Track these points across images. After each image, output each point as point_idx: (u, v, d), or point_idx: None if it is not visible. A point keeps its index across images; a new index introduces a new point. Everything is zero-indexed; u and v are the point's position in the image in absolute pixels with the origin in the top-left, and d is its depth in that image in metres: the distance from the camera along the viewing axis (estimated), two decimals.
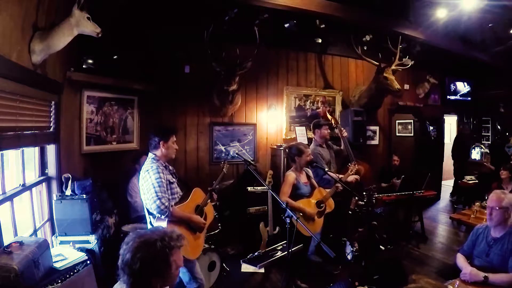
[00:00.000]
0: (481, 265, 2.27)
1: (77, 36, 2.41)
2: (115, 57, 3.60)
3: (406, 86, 6.16)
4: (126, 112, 4.02)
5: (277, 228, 3.91)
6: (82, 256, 2.39)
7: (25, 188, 2.51)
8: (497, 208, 2.23)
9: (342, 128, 4.05)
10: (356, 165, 3.61)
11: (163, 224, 2.20)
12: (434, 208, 6.21)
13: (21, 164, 2.54)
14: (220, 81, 3.97)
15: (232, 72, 3.88)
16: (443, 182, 6.78)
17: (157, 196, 2.15)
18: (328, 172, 3.39)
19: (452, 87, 6.94)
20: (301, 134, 4.79)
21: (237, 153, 3.91)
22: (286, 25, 4.44)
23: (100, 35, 2.43)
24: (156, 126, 2.60)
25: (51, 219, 2.78)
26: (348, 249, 3.85)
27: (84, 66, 3.33)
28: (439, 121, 6.90)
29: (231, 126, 4.72)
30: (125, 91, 3.89)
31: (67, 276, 2.15)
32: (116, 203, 3.42)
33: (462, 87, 7.03)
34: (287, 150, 3.36)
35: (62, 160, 2.91)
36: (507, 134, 6.88)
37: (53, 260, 2.20)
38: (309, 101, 5.21)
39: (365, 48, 4.93)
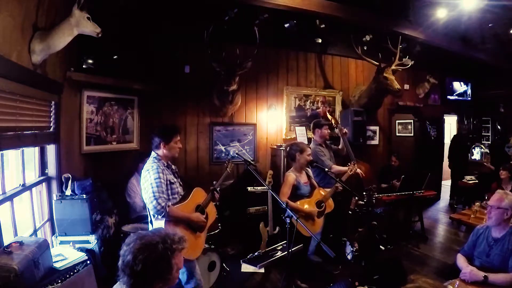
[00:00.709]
0: (481, 266, 2.26)
1: (77, 36, 2.41)
2: (115, 57, 3.60)
3: (406, 86, 6.16)
4: (126, 112, 4.02)
5: (277, 228, 3.91)
6: (82, 256, 2.38)
7: (25, 188, 2.51)
8: (496, 207, 2.24)
9: (342, 128, 4.04)
10: (355, 165, 3.61)
11: (161, 223, 2.20)
12: (434, 208, 6.21)
13: (21, 164, 2.53)
14: (220, 81, 3.97)
15: (232, 72, 3.88)
16: (443, 182, 6.78)
17: (154, 196, 2.16)
18: (333, 166, 3.37)
19: (450, 86, 6.93)
20: (301, 134, 4.79)
21: (237, 153, 3.92)
22: (286, 25, 4.44)
23: (100, 35, 2.43)
24: (159, 126, 2.60)
25: (51, 219, 2.78)
26: (348, 249, 3.85)
27: (84, 66, 3.33)
28: (439, 121, 6.90)
29: (231, 126, 4.72)
30: (125, 91, 3.89)
31: (67, 276, 2.15)
32: (116, 203, 3.42)
33: (459, 86, 7.02)
34: (287, 149, 3.36)
35: (62, 160, 2.91)
36: (507, 134, 6.88)
37: (53, 260, 2.19)
38: (309, 101, 5.22)
39: (365, 48, 4.93)
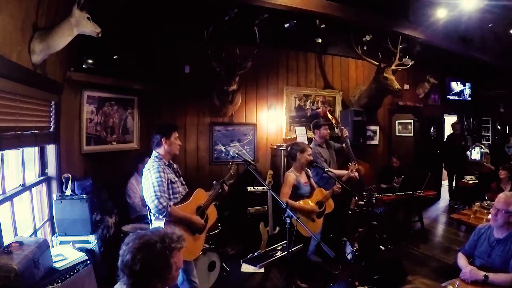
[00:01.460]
0: (482, 266, 2.26)
1: (77, 36, 2.41)
2: (115, 57, 3.60)
3: (406, 86, 6.16)
4: (126, 112, 4.02)
5: (277, 228, 3.91)
6: (82, 256, 2.39)
7: (25, 188, 2.51)
8: (503, 211, 2.21)
9: (343, 128, 4.04)
10: (356, 165, 3.61)
11: (161, 223, 2.19)
12: (434, 208, 6.21)
13: (21, 164, 2.54)
14: (220, 81, 3.97)
15: (232, 72, 3.88)
16: (443, 182, 6.77)
17: (156, 195, 2.15)
18: (329, 170, 3.38)
19: (449, 86, 6.92)
20: (301, 134, 4.78)
21: (237, 153, 3.91)
22: (286, 25, 4.43)
23: (100, 35, 2.43)
24: (157, 124, 2.63)
25: (51, 219, 2.78)
26: (348, 249, 3.85)
27: (84, 66, 3.33)
28: (439, 121, 6.90)
29: (231, 126, 4.72)
30: (125, 91, 3.89)
31: (67, 276, 2.15)
32: (116, 203, 3.42)
33: (455, 85, 7.01)
34: (288, 149, 3.36)
35: (62, 160, 2.91)
36: (507, 134, 6.88)
37: (53, 260, 2.20)
38: (309, 101, 5.22)
39: (365, 48, 4.92)
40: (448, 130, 7.12)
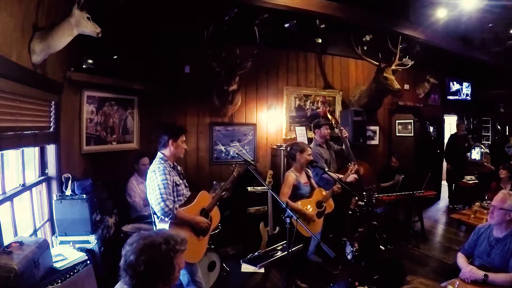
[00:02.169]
0: (482, 265, 2.26)
1: (77, 36, 2.41)
2: (115, 57, 3.60)
3: (406, 86, 6.16)
4: (126, 112, 4.02)
5: (277, 228, 3.91)
6: (82, 256, 2.38)
7: (25, 188, 2.51)
8: (499, 208, 2.23)
9: (342, 128, 4.04)
10: (355, 165, 3.61)
11: (166, 226, 2.19)
12: (434, 208, 6.21)
13: (21, 164, 2.54)
14: (220, 81, 3.97)
15: (232, 72, 3.88)
16: (443, 182, 6.77)
17: (162, 198, 2.13)
18: (328, 172, 3.38)
19: (448, 86, 6.91)
20: (301, 134, 4.78)
21: (237, 153, 3.91)
22: (286, 25, 4.44)
23: (100, 35, 2.43)
24: (165, 124, 2.61)
25: (51, 219, 2.78)
26: (348, 249, 3.85)
27: (84, 66, 3.33)
28: (439, 121, 6.90)
29: (231, 126, 4.72)
30: (125, 91, 3.89)
31: (67, 276, 2.15)
32: (116, 203, 3.42)
33: (452, 84, 6.99)
34: (288, 149, 3.36)
35: (62, 160, 2.91)
36: (507, 134, 6.87)
37: (53, 260, 2.20)
38: (309, 101, 5.21)
39: (365, 48, 4.93)
40: (448, 130, 7.13)
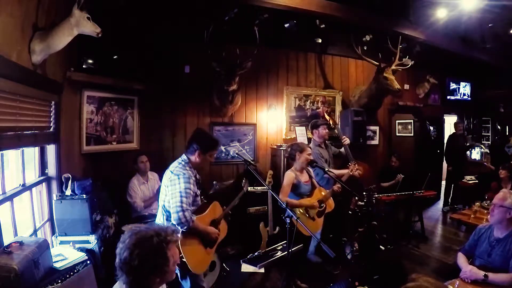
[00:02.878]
0: (482, 265, 2.26)
1: (77, 36, 2.40)
2: (115, 57, 3.60)
3: (406, 86, 6.16)
4: (126, 112, 4.02)
5: (277, 228, 3.91)
6: (82, 256, 2.39)
7: (25, 188, 2.51)
8: (499, 205, 2.23)
9: (345, 137, 3.98)
10: (356, 165, 3.60)
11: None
12: (434, 208, 6.21)
13: (21, 164, 2.53)
14: (220, 81, 3.96)
15: (232, 72, 3.88)
16: (443, 182, 6.77)
17: (182, 207, 2.07)
18: (329, 171, 3.38)
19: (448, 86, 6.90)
20: (301, 134, 4.78)
21: (237, 153, 3.91)
22: (286, 25, 4.43)
23: (100, 35, 2.43)
24: (201, 132, 2.55)
25: (51, 219, 2.78)
26: (348, 249, 3.85)
27: (84, 66, 3.33)
28: (439, 121, 6.90)
29: (231, 126, 4.71)
30: (125, 91, 3.89)
31: (67, 276, 2.15)
32: (116, 203, 3.42)
33: (451, 84, 6.98)
34: (288, 149, 3.36)
35: (62, 160, 2.91)
36: (507, 134, 6.87)
37: (53, 260, 2.20)
38: (309, 101, 5.21)
39: (365, 48, 4.92)
40: (448, 130, 7.12)
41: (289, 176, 3.13)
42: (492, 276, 2.09)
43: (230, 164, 4.63)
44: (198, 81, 4.38)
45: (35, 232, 2.58)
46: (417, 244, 4.30)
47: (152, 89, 4.07)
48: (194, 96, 4.46)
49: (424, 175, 4.51)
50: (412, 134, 6.72)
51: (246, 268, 3.49)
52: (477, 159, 6.70)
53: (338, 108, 5.41)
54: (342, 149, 4.00)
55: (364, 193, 3.78)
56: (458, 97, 7.00)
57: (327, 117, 4.22)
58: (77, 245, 2.59)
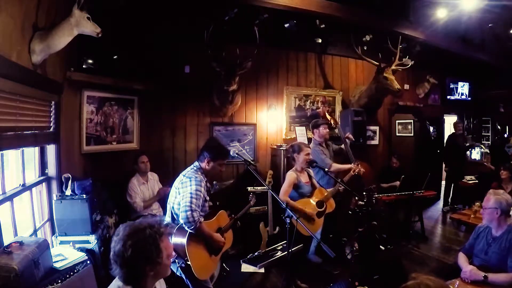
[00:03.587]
0: (479, 264, 2.29)
1: (77, 36, 2.40)
2: (115, 57, 3.60)
3: (406, 86, 6.16)
4: (126, 112, 4.02)
5: (277, 228, 3.91)
6: (82, 256, 2.39)
7: (25, 188, 2.51)
8: (485, 208, 2.33)
9: (349, 134, 4.07)
10: (359, 165, 3.59)
11: (183, 240, 2.14)
12: (434, 208, 6.21)
13: (21, 164, 2.53)
14: (220, 81, 3.97)
15: (232, 72, 3.88)
16: (443, 182, 6.77)
17: (191, 207, 2.11)
18: (332, 165, 3.38)
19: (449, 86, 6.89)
20: (301, 134, 4.79)
21: (237, 153, 3.89)
22: (286, 25, 4.44)
23: (100, 35, 2.43)
24: (213, 141, 2.71)
25: (51, 219, 2.78)
26: (348, 249, 3.85)
27: (84, 66, 3.33)
28: (439, 121, 6.90)
29: (231, 126, 4.71)
30: (125, 91, 3.89)
31: (67, 276, 2.15)
32: (116, 203, 3.42)
33: (451, 84, 6.96)
34: (289, 150, 3.37)
35: (62, 160, 2.91)
36: (506, 135, 6.86)
37: (53, 260, 2.20)
38: (309, 101, 5.21)
39: (365, 48, 4.93)
40: (448, 130, 7.12)
41: (290, 177, 3.13)
42: (492, 276, 2.10)
43: (230, 164, 4.62)
44: (198, 81, 4.38)
45: (35, 232, 2.58)
46: (417, 244, 4.30)
47: (152, 89, 4.07)
48: (194, 96, 4.46)
49: (424, 175, 4.51)
50: (412, 134, 6.73)
51: (246, 268, 3.51)
52: (477, 159, 6.69)
53: (338, 108, 5.41)
54: (343, 146, 4.02)
55: (364, 193, 3.78)
56: (458, 97, 7.00)
57: (328, 116, 4.22)
58: (77, 245, 2.59)
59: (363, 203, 3.82)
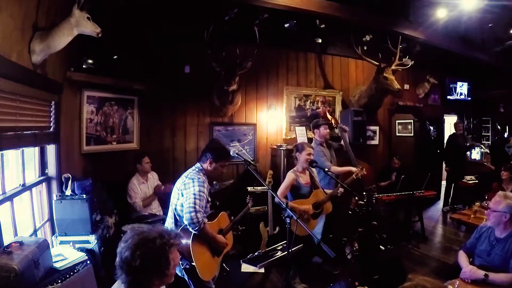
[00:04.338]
0: (481, 265, 2.27)
1: (77, 36, 2.40)
2: (115, 57, 3.60)
3: (406, 86, 6.16)
4: (126, 112, 4.02)
5: (277, 228, 3.91)
6: (82, 256, 2.38)
7: (25, 188, 2.51)
8: (493, 211, 2.26)
9: (346, 127, 4.09)
10: (363, 169, 3.54)
11: (188, 241, 2.14)
12: (434, 208, 6.20)
13: (21, 164, 2.53)
14: (220, 81, 3.97)
15: (232, 72, 3.88)
16: (443, 182, 6.77)
17: (195, 208, 2.10)
18: (331, 168, 3.38)
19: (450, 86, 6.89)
20: (301, 134, 4.79)
21: (237, 153, 3.89)
22: (286, 25, 4.44)
23: (100, 35, 2.43)
24: (215, 142, 2.75)
25: (51, 219, 2.78)
26: (348, 249, 3.85)
27: (84, 66, 3.32)
28: (439, 121, 6.90)
29: (231, 126, 4.72)
30: (125, 91, 3.89)
31: (67, 276, 2.15)
32: (116, 203, 3.42)
33: (451, 84, 6.96)
34: (293, 149, 3.36)
35: (62, 160, 2.91)
36: (506, 135, 6.86)
37: (53, 260, 2.19)
38: (309, 101, 5.21)
39: (365, 48, 4.93)
40: (448, 130, 7.11)
41: (289, 177, 3.13)
42: (492, 276, 2.09)
43: (230, 164, 4.60)
44: (198, 81, 4.38)
45: (35, 232, 2.58)
46: (417, 244, 4.30)
47: (152, 89, 4.07)
48: (194, 96, 4.46)
49: (424, 175, 4.51)
50: (412, 134, 6.72)
51: (246, 268, 3.50)
52: (477, 159, 6.69)
53: (338, 108, 5.41)
54: (342, 142, 4.02)
55: (364, 193, 3.78)
56: (458, 97, 7.00)
57: (329, 116, 4.23)
58: (77, 245, 2.59)
59: (363, 203, 3.82)
